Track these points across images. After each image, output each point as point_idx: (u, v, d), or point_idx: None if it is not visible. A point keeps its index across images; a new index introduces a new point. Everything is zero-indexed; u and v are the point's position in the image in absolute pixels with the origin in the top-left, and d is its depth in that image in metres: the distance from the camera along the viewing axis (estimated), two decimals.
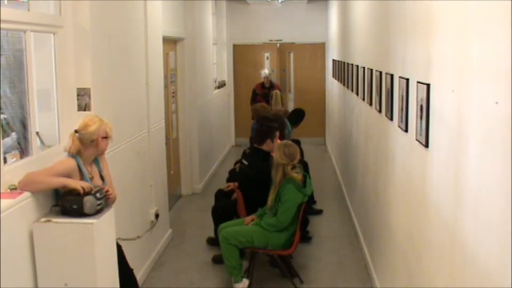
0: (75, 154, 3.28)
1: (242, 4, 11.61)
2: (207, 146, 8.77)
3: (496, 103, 1.87)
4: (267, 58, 12.01)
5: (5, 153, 3.11)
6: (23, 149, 3.31)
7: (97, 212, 3.15)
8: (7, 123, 3.30)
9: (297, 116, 7.76)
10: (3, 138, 3.12)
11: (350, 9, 7.24)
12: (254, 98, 9.89)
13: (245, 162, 5.33)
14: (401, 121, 3.55)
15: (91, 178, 3.35)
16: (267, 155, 5.20)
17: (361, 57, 6.03)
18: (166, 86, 6.60)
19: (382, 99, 4.40)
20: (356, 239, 6.03)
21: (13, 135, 3.33)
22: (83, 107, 3.77)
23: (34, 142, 3.32)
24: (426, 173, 2.93)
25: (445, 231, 2.57)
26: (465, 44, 2.28)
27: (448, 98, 2.51)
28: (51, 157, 3.36)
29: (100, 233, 3.12)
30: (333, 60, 10.09)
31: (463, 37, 2.31)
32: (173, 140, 7.38)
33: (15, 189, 2.97)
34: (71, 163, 3.24)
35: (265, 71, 10.29)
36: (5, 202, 2.79)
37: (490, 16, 2.00)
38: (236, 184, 5.54)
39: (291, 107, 10.93)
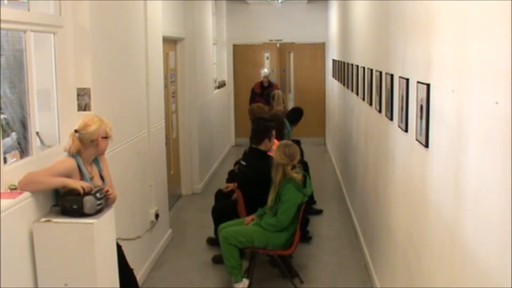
0: (75, 154, 3.28)
1: (242, 4, 11.61)
2: (207, 146, 8.77)
3: (496, 103, 1.87)
4: (267, 58, 12.01)
5: (5, 153, 3.11)
6: (23, 149, 3.31)
7: (97, 212, 3.15)
8: (7, 123, 3.30)
9: (296, 115, 7.78)
10: (3, 138, 3.12)
11: (350, 9, 7.24)
12: (253, 98, 9.90)
13: (243, 163, 5.34)
14: (401, 121, 3.55)
15: (91, 178, 3.35)
16: (264, 155, 5.22)
17: (361, 57, 6.03)
18: (166, 86, 6.60)
19: (382, 99, 4.40)
20: (356, 239, 6.03)
21: (13, 135, 3.33)
22: (83, 107, 3.77)
23: (34, 142, 3.32)
24: (426, 173, 2.93)
25: (445, 231, 2.57)
26: (465, 44, 2.28)
27: (448, 98, 2.51)
28: (51, 157, 3.36)
29: (100, 233, 3.12)
30: (333, 60, 10.09)
31: (463, 37, 2.31)
32: (173, 140, 7.38)
33: (15, 189, 2.97)
34: (71, 163, 3.24)
35: (265, 71, 10.30)
36: (5, 202, 2.79)
37: (490, 16, 2.00)
38: (235, 184, 5.55)
39: (291, 107, 10.92)
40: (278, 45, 11.98)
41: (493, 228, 1.93)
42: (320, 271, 5.29)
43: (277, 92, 8.81)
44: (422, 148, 2.97)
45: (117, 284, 3.41)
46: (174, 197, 7.36)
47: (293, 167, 4.66)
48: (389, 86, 4.01)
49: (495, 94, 1.89)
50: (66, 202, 3.10)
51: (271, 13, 11.62)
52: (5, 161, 3.06)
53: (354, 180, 6.58)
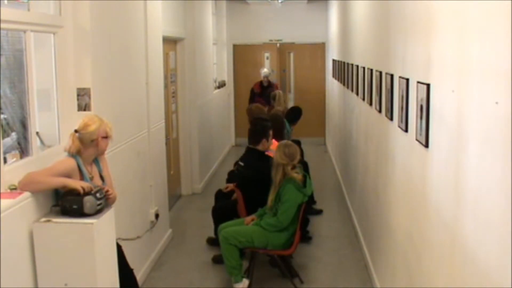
0: (75, 154, 3.28)
1: (242, 4, 11.61)
2: (207, 146, 8.77)
3: (496, 103, 1.87)
4: (267, 58, 12.01)
5: (5, 153, 3.11)
6: (23, 149, 3.31)
7: (97, 212, 3.15)
8: (7, 123, 3.30)
9: (295, 114, 7.82)
10: (3, 138, 3.12)
11: (350, 9, 7.24)
12: (253, 98, 9.89)
13: (241, 163, 5.35)
14: (401, 121, 3.55)
15: (91, 178, 3.35)
16: (262, 155, 5.23)
17: (361, 57, 6.03)
18: (166, 86, 6.60)
19: (382, 99, 4.40)
20: (356, 239, 6.03)
21: (13, 135, 3.33)
22: (83, 107, 3.77)
23: (34, 142, 3.32)
24: (426, 173, 2.93)
25: (445, 231, 2.57)
26: (465, 44, 2.28)
27: (448, 98, 2.51)
28: (51, 157, 3.36)
29: (100, 233, 3.12)
30: (333, 60, 10.09)
31: (463, 37, 2.31)
32: (173, 140, 7.38)
33: (15, 189, 2.97)
34: (71, 163, 3.24)
35: (265, 70, 10.30)
36: (5, 202, 2.79)
37: (490, 16, 2.00)
38: (235, 185, 5.55)
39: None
40: (278, 45, 11.98)
41: (493, 228, 1.93)
42: (320, 271, 5.29)
43: (278, 92, 8.82)
44: (422, 148, 2.97)
45: (117, 284, 3.41)
46: (174, 197, 7.36)
47: (293, 167, 4.66)
48: (389, 86, 4.01)
49: (495, 94, 1.89)
50: (66, 202, 3.10)
51: (271, 13, 11.62)
52: (5, 161, 3.06)
53: (354, 180, 6.58)
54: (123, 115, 4.50)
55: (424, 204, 2.98)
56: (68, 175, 3.17)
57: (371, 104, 5.05)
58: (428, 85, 2.84)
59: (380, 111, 4.51)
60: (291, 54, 12.16)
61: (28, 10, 3.40)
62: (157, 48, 5.62)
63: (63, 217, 3.09)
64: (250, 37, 11.90)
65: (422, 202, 3.03)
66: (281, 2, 10.79)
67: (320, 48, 11.99)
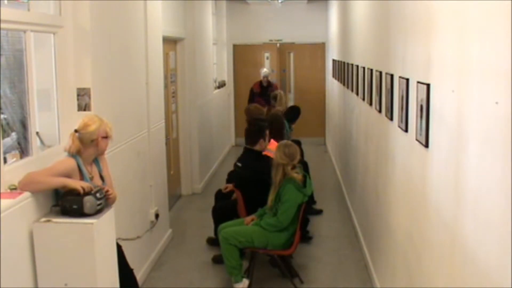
0: (75, 154, 3.28)
1: (242, 4, 11.61)
2: (207, 146, 8.77)
3: (496, 103, 1.87)
4: (267, 58, 12.01)
5: (5, 153, 3.11)
6: (23, 149, 3.31)
7: (97, 212, 3.15)
8: (7, 123, 3.30)
9: (293, 113, 7.85)
10: (3, 138, 3.12)
11: (350, 9, 7.24)
12: (252, 98, 9.89)
13: (239, 164, 5.35)
14: (401, 121, 3.55)
15: (91, 178, 3.34)
16: (259, 155, 5.24)
17: (361, 57, 6.03)
18: (166, 86, 6.60)
19: (382, 99, 4.40)
20: (356, 239, 6.03)
21: (13, 135, 3.33)
22: (83, 107, 3.77)
23: (34, 142, 3.32)
24: (426, 173, 2.93)
25: (445, 231, 2.57)
26: (465, 44, 2.28)
27: (448, 98, 2.51)
28: (51, 157, 3.36)
29: (100, 233, 3.12)
30: (333, 60, 10.09)
31: (463, 37, 2.31)
32: (173, 140, 7.38)
33: (15, 189, 2.97)
34: (71, 163, 3.24)
35: (265, 70, 10.30)
36: (5, 202, 2.79)
37: (490, 16, 2.00)
38: (233, 185, 5.56)
39: None
40: (278, 45, 11.98)
41: (493, 228, 1.93)
42: (320, 271, 5.29)
43: (280, 93, 8.82)
44: (422, 148, 2.97)
45: (117, 284, 3.41)
46: (174, 197, 7.36)
47: (293, 167, 4.66)
48: (389, 86, 4.01)
49: (495, 94, 1.89)
50: (66, 202, 3.10)
51: (271, 13, 11.62)
52: (5, 161, 3.06)
53: (354, 180, 6.58)
54: (123, 115, 4.50)
55: (424, 204, 2.98)
56: (68, 175, 3.17)
57: (371, 104, 5.05)
58: (428, 85, 2.84)
59: (380, 111, 4.51)
60: (291, 54, 12.16)
61: (28, 10, 3.40)
62: (157, 48, 5.62)
63: (63, 217, 3.09)
64: (250, 37, 11.90)
65: (422, 202, 3.03)
66: (281, 2, 10.79)
67: (320, 48, 11.99)
